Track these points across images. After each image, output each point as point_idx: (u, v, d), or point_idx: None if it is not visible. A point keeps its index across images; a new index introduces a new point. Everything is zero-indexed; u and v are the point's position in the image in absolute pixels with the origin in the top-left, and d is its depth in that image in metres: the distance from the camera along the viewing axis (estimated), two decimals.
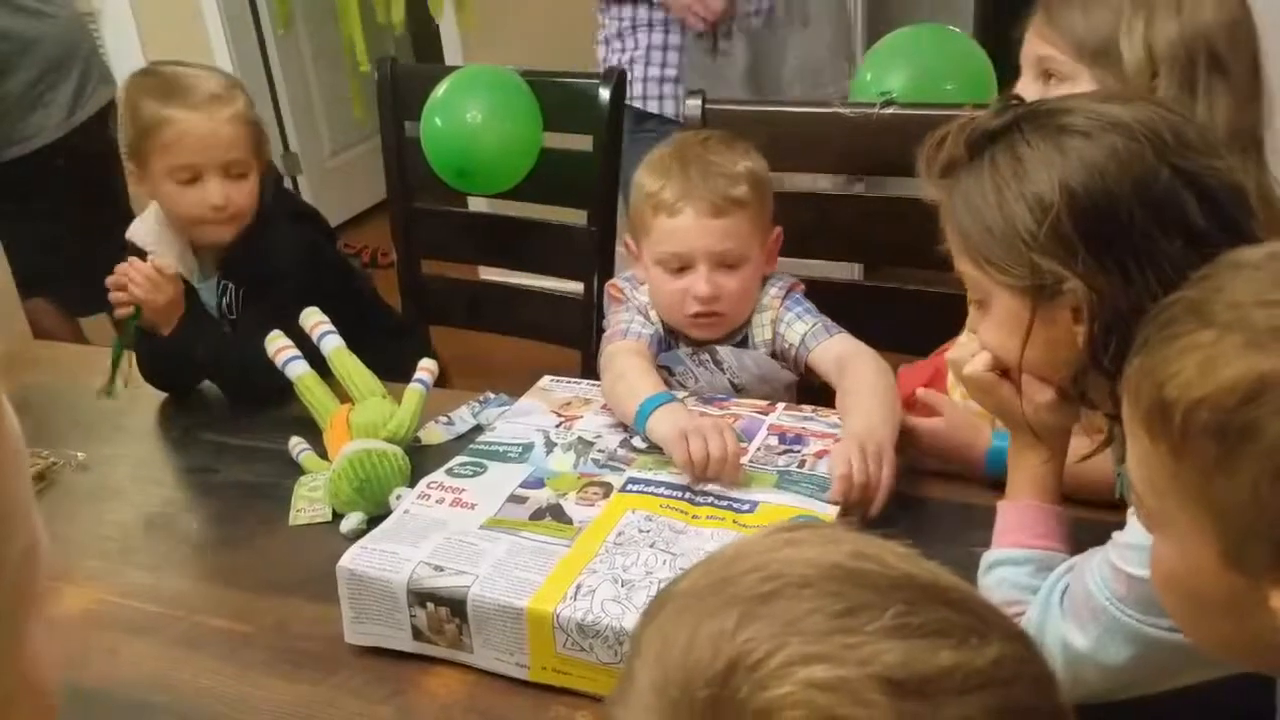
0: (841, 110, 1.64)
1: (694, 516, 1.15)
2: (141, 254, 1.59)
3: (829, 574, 0.49)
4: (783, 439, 1.26)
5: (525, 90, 1.84)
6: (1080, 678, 0.91)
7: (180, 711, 1.09)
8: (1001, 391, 0.98)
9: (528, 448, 1.29)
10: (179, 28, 3.42)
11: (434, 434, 1.43)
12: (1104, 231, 0.86)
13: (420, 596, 1.08)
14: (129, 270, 1.53)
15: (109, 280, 1.55)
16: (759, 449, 1.25)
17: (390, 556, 1.11)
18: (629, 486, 1.21)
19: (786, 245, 1.46)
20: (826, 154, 1.69)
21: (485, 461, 1.27)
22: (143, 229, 1.62)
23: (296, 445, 1.40)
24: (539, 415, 1.35)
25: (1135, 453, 0.67)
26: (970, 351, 1.00)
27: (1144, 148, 0.87)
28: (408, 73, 2.00)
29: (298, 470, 1.39)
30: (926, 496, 1.25)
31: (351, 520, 1.29)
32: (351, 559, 1.11)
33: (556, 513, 1.17)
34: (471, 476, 1.24)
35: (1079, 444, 1.01)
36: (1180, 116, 0.91)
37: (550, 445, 1.29)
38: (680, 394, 1.35)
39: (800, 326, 1.39)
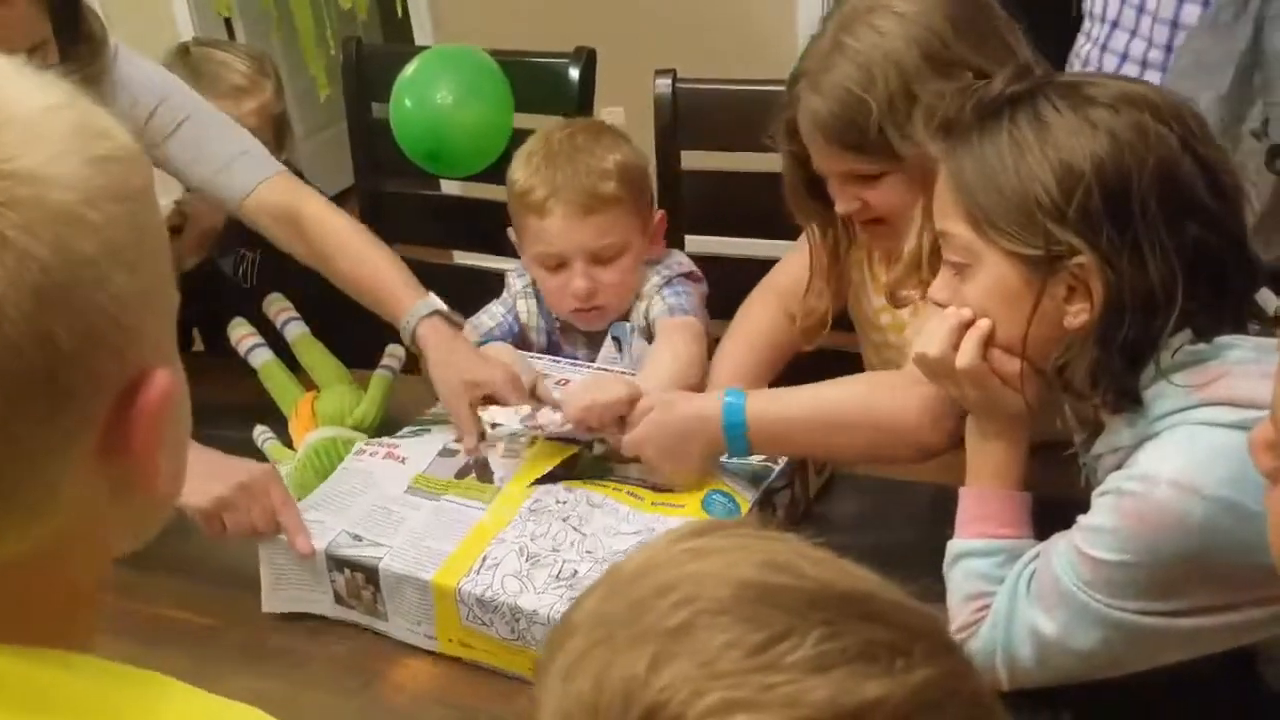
0: None
1: (614, 488, 1.15)
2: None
3: (742, 595, 0.46)
4: None
5: (496, 70, 1.81)
6: (1050, 663, 0.90)
7: None
8: (992, 382, 0.94)
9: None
10: (142, 3, 3.37)
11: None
12: (1128, 210, 0.84)
13: (339, 562, 1.12)
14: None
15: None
16: None
17: (316, 526, 1.15)
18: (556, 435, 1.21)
19: (753, 226, 1.45)
20: None
21: (431, 426, 1.30)
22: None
23: (261, 434, 1.38)
24: None
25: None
26: (939, 340, 0.94)
27: (1169, 130, 0.86)
28: (373, 53, 1.97)
29: (262, 459, 1.36)
30: (906, 480, 1.25)
31: None
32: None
33: (481, 469, 1.20)
34: (412, 438, 1.28)
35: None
36: (1192, 105, 0.90)
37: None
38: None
39: (659, 307, 1.40)
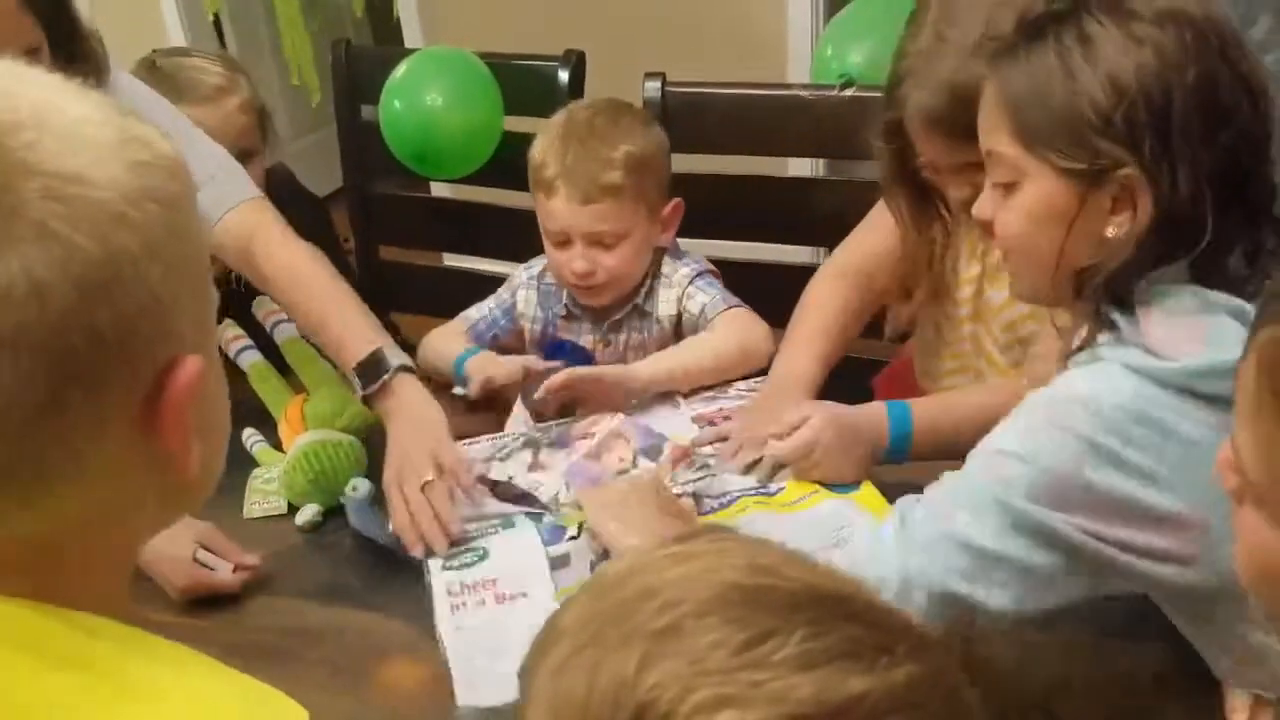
0: (801, 93, 1.64)
1: (744, 508, 1.15)
2: None
3: (727, 597, 0.47)
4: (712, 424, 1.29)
5: (485, 73, 1.82)
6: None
7: None
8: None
9: (506, 519, 1.19)
10: (130, 5, 3.36)
11: None
12: (1169, 123, 0.87)
13: None
14: None
15: None
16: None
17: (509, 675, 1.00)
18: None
19: (744, 230, 1.46)
20: (786, 137, 1.69)
21: (478, 544, 1.16)
22: None
23: (250, 437, 1.38)
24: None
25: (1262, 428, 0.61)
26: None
27: (1210, 43, 0.88)
28: (363, 55, 1.96)
29: (251, 462, 1.37)
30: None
31: (307, 512, 1.28)
32: (473, 695, 1.00)
33: (610, 556, 1.08)
34: (477, 564, 1.13)
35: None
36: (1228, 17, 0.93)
37: (534, 509, 1.20)
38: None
39: (702, 298, 1.44)
